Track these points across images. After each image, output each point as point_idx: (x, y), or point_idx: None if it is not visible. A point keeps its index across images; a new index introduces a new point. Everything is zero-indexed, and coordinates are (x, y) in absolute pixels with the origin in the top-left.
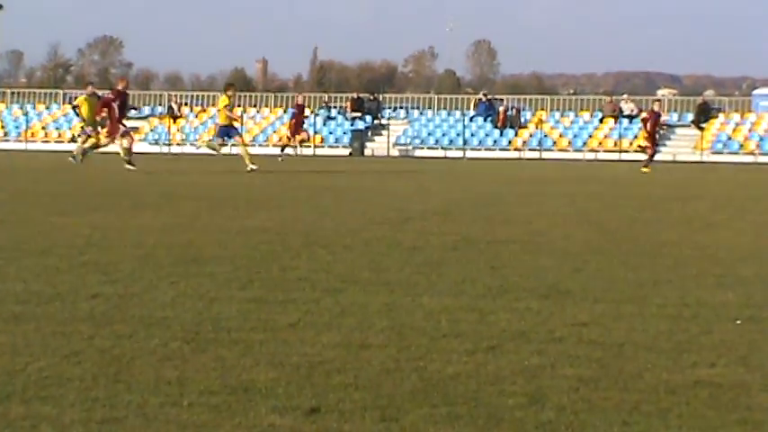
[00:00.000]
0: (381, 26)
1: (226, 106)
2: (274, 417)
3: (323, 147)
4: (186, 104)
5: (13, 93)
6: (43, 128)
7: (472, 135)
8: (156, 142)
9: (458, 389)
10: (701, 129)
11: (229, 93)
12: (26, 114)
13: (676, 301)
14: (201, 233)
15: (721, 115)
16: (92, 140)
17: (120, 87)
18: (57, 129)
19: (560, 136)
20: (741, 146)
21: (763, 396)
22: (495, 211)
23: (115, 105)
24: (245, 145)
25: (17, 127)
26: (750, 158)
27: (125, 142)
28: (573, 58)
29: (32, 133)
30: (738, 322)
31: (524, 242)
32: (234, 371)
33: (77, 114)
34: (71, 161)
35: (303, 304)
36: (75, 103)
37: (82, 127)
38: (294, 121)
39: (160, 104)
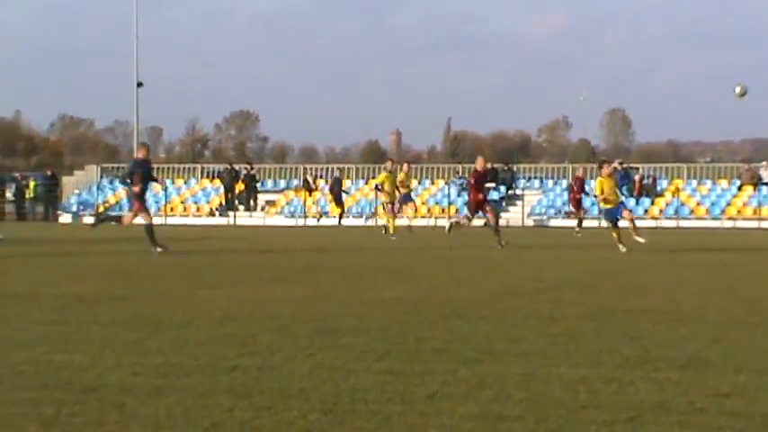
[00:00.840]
0: (514, 95)
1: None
2: None
3: (457, 217)
4: (321, 177)
5: (153, 168)
6: (182, 202)
7: None
8: (293, 215)
9: None
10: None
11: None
12: (165, 189)
13: None
14: (338, 304)
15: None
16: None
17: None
18: (195, 203)
19: (697, 204)
20: None
21: None
22: (631, 280)
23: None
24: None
25: (157, 202)
26: None
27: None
28: (709, 125)
29: (172, 208)
30: None
31: (662, 312)
32: None
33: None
34: None
35: (440, 375)
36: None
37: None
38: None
39: (295, 177)
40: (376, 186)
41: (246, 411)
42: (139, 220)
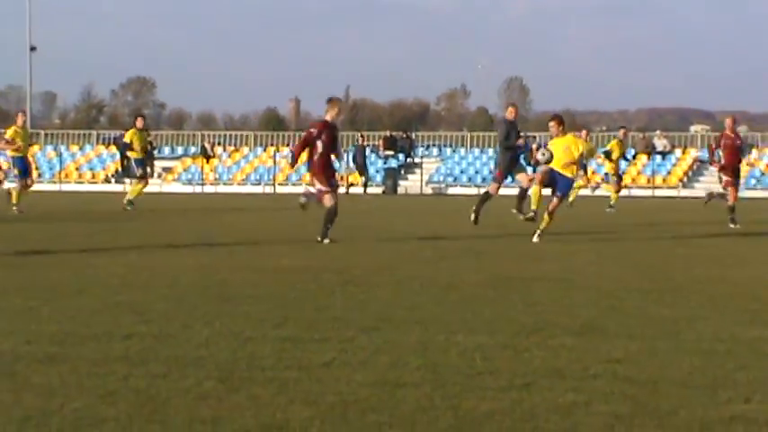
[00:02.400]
0: (413, 64)
1: None
2: None
3: (356, 185)
4: (219, 144)
5: (46, 134)
6: (77, 168)
7: None
8: (190, 182)
9: (492, 427)
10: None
11: None
12: (60, 155)
13: (711, 336)
14: (236, 272)
15: (755, 151)
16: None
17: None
18: (90, 169)
19: (593, 172)
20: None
21: None
22: (528, 248)
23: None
24: None
25: (51, 168)
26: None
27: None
28: (605, 95)
29: (66, 174)
30: None
31: (558, 280)
32: (268, 410)
33: (126, 150)
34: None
35: (337, 343)
36: (126, 139)
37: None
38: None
39: (193, 144)
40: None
41: (141, 379)
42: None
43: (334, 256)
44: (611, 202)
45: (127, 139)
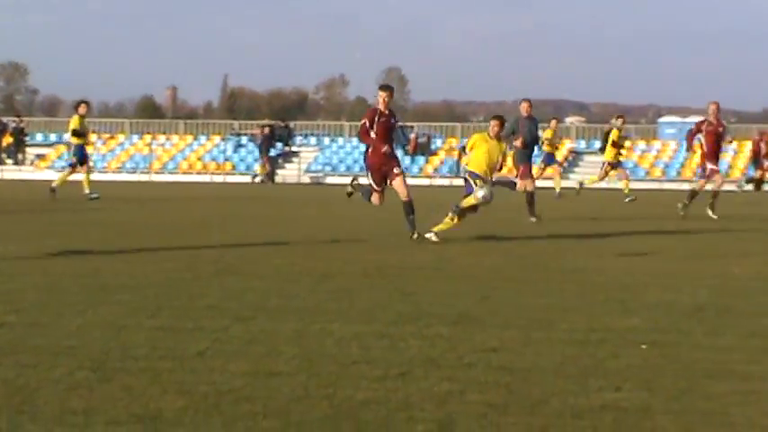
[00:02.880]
0: (292, 53)
1: None
2: None
3: (233, 174)
4: (94, 132)
5: None
6: None
7: None
8: (63, 170)
9: (367, 415)
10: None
11: None
12: None
13: (583, 326)
14: (110, 260)
15: (628, 142)
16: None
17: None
18: None
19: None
20: (647, 173)
21: (666, 419)
22: (405, 238)
23: None
24: None
25: None
26: (656, 185)
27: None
28: (483, 86)
29: None
30: (644, 347)
31: (435, 269)
32: (141, 400)
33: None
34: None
35: (212, 332)
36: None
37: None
38: None
39: (66, 131)
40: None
41: (10, 369)
42: None
43: (209, 245)
44: (626, 192)
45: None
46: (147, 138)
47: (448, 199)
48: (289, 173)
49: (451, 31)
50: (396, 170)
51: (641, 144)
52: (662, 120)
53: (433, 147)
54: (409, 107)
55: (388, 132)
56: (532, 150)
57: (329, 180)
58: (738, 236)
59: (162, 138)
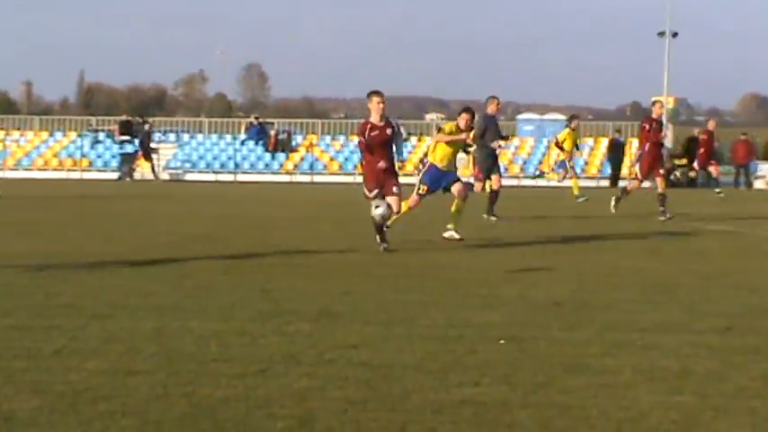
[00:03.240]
0: (151, 48)
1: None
2: None
3: (90, 170)
4: None
5: None
6: None
7: (243, 159)
8: None
9: (227, 413)
10: (468, 153)
11: None
12: None
13: (443, 322)
14: None
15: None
16: None
17: None
18: None
19: (331, 159)
20: (506, 169)
21: (524, 413)
22: (266, 234)
23: None
24: None
25: None
26: (515, 182)
27: None
28: (344, 83)
29: None
30: (502, 342)
31: (295, 265)
32: None
33: None
34: None
35: (68, 331)
36: None
37: None
38: None
39: None
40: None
41: None
42: None
43: (68, 242)
44: (576, 193)
45: None
46: (1, 133)
47: (307, 196)
48: (147, 170)
49: (312, 27)
50: (394, 189)
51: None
52: (520, 117)
53: (293, 143)
54: (270, 103)
55: (383, 145)
56: (492, 151)
57: (188, 177)
58: (595, 229)
59: (16, 133)
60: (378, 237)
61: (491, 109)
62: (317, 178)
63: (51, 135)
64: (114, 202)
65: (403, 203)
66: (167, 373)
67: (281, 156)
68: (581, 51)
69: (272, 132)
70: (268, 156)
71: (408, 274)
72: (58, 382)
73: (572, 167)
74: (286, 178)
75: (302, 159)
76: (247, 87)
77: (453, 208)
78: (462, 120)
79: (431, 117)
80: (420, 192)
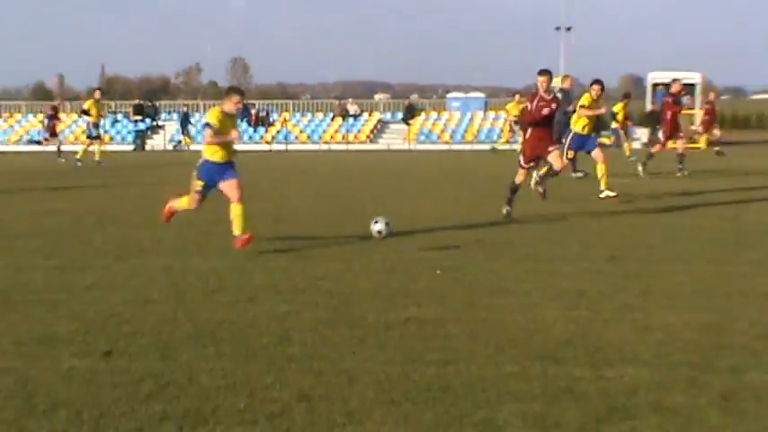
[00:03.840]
0: (157, 46)
1: None
2: (75, 360)
3: (111, 144)
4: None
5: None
6: None
7: None
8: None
9: (223, 333)
10: (409, 124)
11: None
12: None
13: (393, 257)
14: (11, 214)
15: (424, 113)
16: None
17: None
18: None
19: (301, 132)
20: (439, 137)
21: (456, 327)
22: (252, 191)
23: None
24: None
25: None
26: (446, 147)
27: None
28: (309, 71)
29: None
30: (438, 272)
31: (276, 216)
32: (40, 325)
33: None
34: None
35: (97, 270)
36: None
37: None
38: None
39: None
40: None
41: None
42: None
43: (93, 201)
44: (628, 154)
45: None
46: (40, 116)
47: (285, 162)
48: (156, 142)
49: (283, 26)
50: (550, 148)
51: (434, 114)
52: (449, 95)
53: (271, 119)
54: (252, 88)
55: (546, 119)
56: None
57: (192, 147)
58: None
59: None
60: (508, 199)
61: (566, 84)
62: (291, 147)
63: (80, 116)
64: (129, 171)
65: (556, 161)
66: (175, 301)
67: (261, 129)
68: (497, 41)
69: (254, 111)
70: (251, 129)
71: (364, 215)
72: (90, 310)
73: (625, 133)
74: (266, 147)
75: (278, 132)
76: (233, 76)
77: (599, 172)
78: (594, 91)
79: (378, 97)
80: (568, 157)
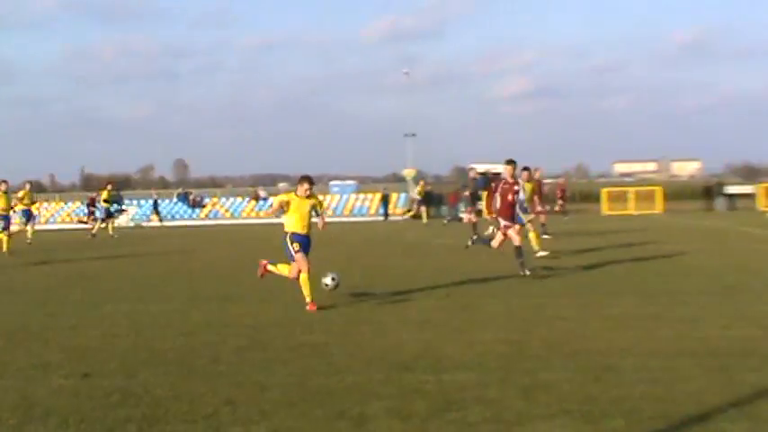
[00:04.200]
0: (121, 153)
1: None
2: (62, 380)
3: (87, 223)
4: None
5: None
6: None
7: (176, 211)
8: None
9: (170, 357)
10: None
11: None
12: None
13: (297, 296)
14: (17, 278)
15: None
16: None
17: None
18: None
19: (226, 210)
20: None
21: (337, 348)
22: (192, 253)
23: None
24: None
25: None
26: (329, 219)
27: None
28: (232, 166)
29: None
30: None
31: (210, 270)
32: (36, 355)
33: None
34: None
35: (78, 315)
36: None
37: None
38: None
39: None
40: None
41: None
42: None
43: (74, 266)
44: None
45: None
46: (37, 204)
47: (216, 232)
48: (122, 221)
49: (209, 138)
50: (516, 225)
51: (320, 196)
52: (331, 183)
53: (204, 202)
54: (190, 181)
55: (509, 195)
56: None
57: (144, 224)
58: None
59: (45, 204)
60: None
61: (473, 174)
62: (219, 222)
63: (66, 204)
64: (100, 242)
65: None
66: (135, 336)
67: (197, 210)
68: (365, 143)
69: (191, 197)
70: (190, 210)
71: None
72: (73, 343)
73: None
74: (201, 222)
75: (210, 211)
76: (177, 173)
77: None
78: (524, 175)
79: (281, 185)
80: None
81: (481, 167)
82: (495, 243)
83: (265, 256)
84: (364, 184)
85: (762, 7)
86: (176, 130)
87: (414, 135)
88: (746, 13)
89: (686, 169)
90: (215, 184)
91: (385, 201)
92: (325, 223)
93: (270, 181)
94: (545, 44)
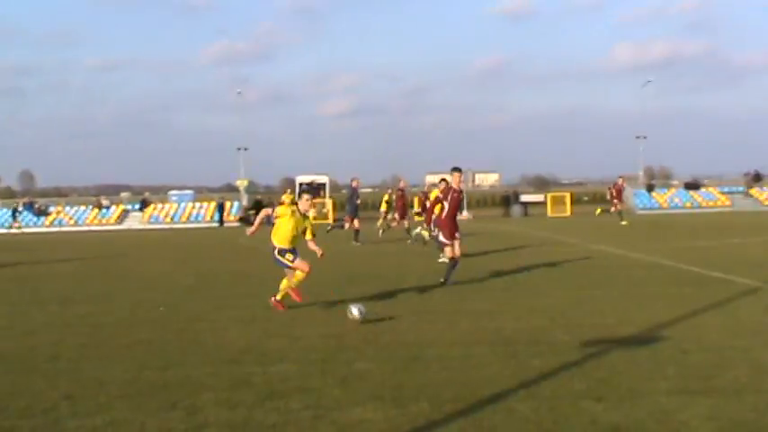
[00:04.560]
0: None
1: None
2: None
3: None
4: None
5: None
6: None
7: (23, 219)
8: None
9: (12, 357)
10: (143, 211)
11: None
12: None
13: (153, 299)
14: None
15: (153, 204)
16: None
17: None
18: None
19: (71, 218)
20: (163, 219)
21: (172, 344)
22: (52, 251)
23: None
24: None
25: None
26: (168, 226)
27: None
28: (76, 176)
29: None
30: (161, 309)
31: (44, 273)
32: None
33: None
34: None
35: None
36: None
37: None
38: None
39: None
40: None
41: None
42: None
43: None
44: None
45: None
46: None
47: (63, 238)
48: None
49: (54, 152)
50: (457, 235)
51: (160, 205)
52: (170, 192)
53: (48, 211)
54: (37, 190)
55: (458, 204)
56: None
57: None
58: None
59: None
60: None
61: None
62: (63, 228)
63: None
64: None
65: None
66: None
67: (43, 218)
68: (201, 156)
69: (37, 206)
70: (35, 218)
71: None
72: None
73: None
74: (46, 230)
75: (55, 219)
76: (23, 183)
77: None
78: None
79: (123, 194)
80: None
81: (307, 178)
82: (448, 254)
83: (107, 260)
84: (201, 193)
85: (549, 39)
86: (24, 143)
87: (246, 149)
88: (536, 45)
89: (487, 180)
90: (60, 194)
91: (220, 209)
92: (323, 254)
93: (113, 191)
94: (365, 69)
